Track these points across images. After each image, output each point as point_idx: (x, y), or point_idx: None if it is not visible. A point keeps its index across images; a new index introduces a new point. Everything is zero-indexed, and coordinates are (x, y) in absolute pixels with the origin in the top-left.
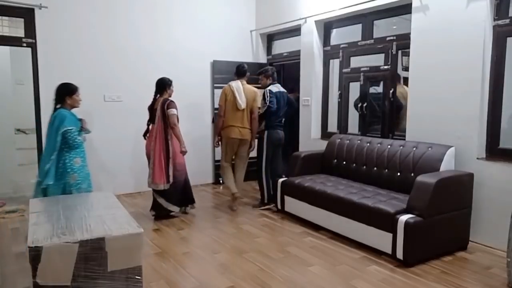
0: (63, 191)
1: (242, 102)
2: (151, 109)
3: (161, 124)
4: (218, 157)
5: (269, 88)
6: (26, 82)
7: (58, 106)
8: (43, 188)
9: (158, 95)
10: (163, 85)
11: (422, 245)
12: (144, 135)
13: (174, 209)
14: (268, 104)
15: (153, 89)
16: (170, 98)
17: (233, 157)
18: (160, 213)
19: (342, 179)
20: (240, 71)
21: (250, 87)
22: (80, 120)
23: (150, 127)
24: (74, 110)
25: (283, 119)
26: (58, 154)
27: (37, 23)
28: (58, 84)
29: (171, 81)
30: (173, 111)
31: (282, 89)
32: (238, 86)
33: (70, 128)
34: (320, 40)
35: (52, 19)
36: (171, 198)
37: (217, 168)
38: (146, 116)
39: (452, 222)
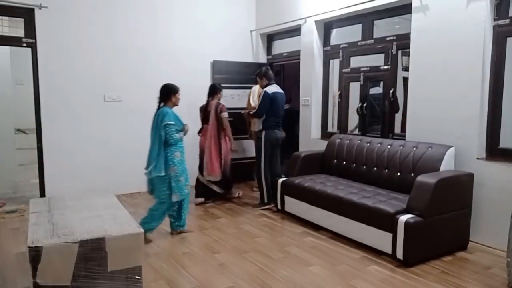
0: (168, 182)
1: (252, 102)
2: (205, 110)
3: (215, 125)
4: None
5: (266, 89)
6: (26, 82)
7: (161, 104)
8: (150, 178)
9: (210, 98)
10: (214, 90)
11: (422, 245)
12: (199, 133)
13: (220, 190)
14: (257, 108)
15: (153, 89)
16: (221, 102)
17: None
18: (210, 195)
19: (342, 179)
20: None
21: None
22: (184, 124)
23: (205, 126)
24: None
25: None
26: (163, 148)
27: (37, 23)
28: (162, 84)
29: (221, 87)
30: (225, 114)
31: (280, 90)
32: (254, 89)
33: (170, 123)
34: (320, 40)
35: (52, 19)
36: (220, 184)
37: None
38: (145, 116)
39: (452, 222)
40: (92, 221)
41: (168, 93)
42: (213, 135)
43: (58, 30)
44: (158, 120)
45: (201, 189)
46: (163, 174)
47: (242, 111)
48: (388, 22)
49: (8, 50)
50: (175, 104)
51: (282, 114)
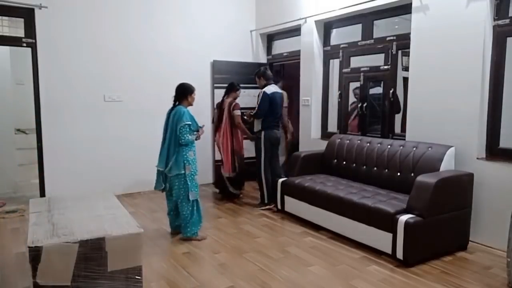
0: (183, 180)
1: None
2: (220, 107)
3: (229, 123)
4: (218, 157)
5: (265, 89)
6: (26, 82)
7: (177, 103)
8: (161, 176)
9: (226, 96)
10: (230, 88)
11: (422, 245)
12: (216, 130)
13: (234, 191)
14: (256, 109)
15: (154, 89)
16: (236, 101)
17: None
18: (226, 193)
19: (342, 179)
20: None
21: None
22: (200, 127)
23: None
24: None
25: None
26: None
27: (37, 23)
28: (178, 83)
29: (239, 86)
30: (237, 112)
31: (279, 90)
32: None
33: (188, 123)
34: (320, 40)
35: (52, 19)
36: (236, 184)
37: (218, 168)
38: (145, 116)
39: (452, 222)
40: (92, 221)
41: (184, 93)
42: (226, 132)
43: (58, 30)
44: (174, 119)
45: (221, 184)
46: (182, 172)
47: (244, 113)
48: (388, 22)
49: (8, 50)
50: (190, 104)
51: (280, 114)
